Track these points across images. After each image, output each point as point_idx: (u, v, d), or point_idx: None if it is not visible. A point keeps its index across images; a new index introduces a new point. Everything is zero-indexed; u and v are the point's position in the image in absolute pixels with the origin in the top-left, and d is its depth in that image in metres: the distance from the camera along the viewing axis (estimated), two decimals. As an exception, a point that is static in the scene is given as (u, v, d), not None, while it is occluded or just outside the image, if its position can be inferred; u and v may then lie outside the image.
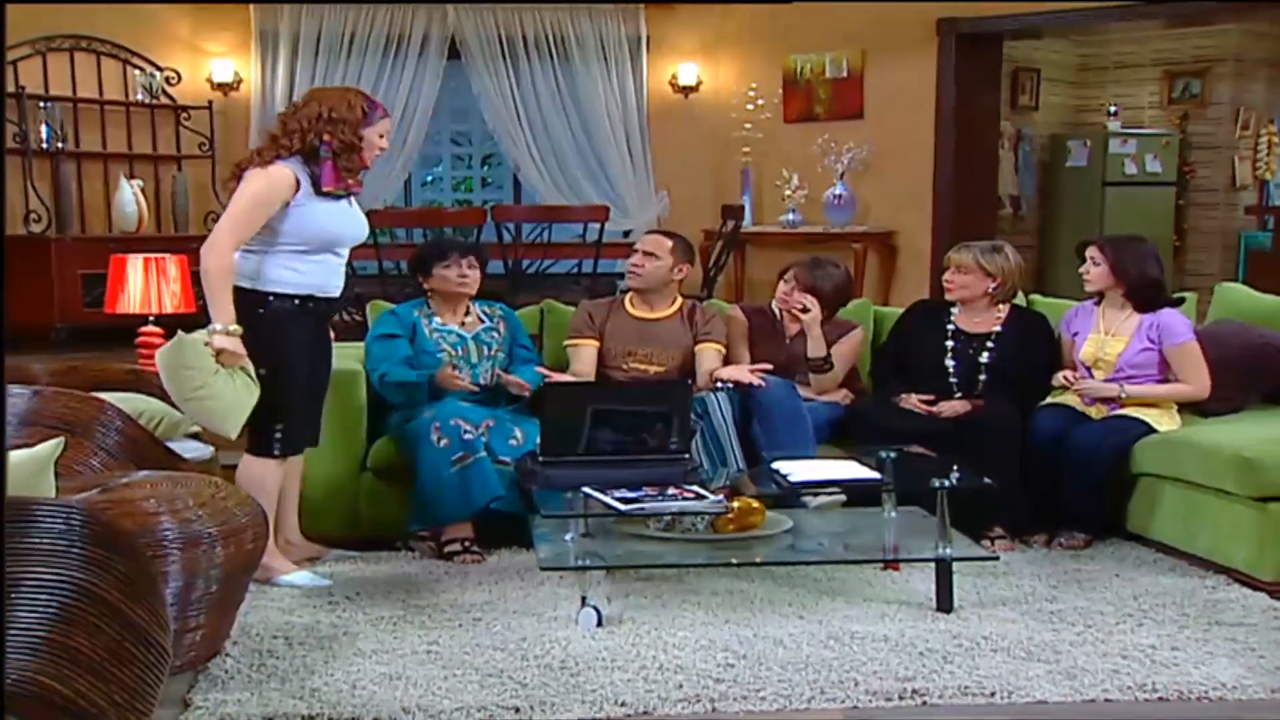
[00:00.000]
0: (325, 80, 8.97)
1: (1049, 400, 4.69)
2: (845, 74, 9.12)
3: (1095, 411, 4.60)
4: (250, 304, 3.84)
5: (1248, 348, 4.74)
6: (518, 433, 4.38)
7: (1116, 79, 10.87)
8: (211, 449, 4.39)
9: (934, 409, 4.71)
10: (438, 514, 4.29)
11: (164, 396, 4.40)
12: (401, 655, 3.39)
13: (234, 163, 3.99)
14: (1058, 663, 3.33)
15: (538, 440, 4.04)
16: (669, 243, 4.92)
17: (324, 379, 4.13)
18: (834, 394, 4.92)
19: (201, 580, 3.19)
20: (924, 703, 3.11)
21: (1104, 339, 4.64)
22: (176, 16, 8.90)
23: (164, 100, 8.69)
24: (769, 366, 4.67)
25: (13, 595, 2.17)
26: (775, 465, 4.05)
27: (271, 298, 3.85)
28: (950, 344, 4.84)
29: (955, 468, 3.96)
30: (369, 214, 7.34)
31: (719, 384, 4.63)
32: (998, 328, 4.83)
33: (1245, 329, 4.83)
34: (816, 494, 4.19)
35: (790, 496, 4.08)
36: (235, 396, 3.78)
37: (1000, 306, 4.87)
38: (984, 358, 4.78)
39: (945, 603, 3.75)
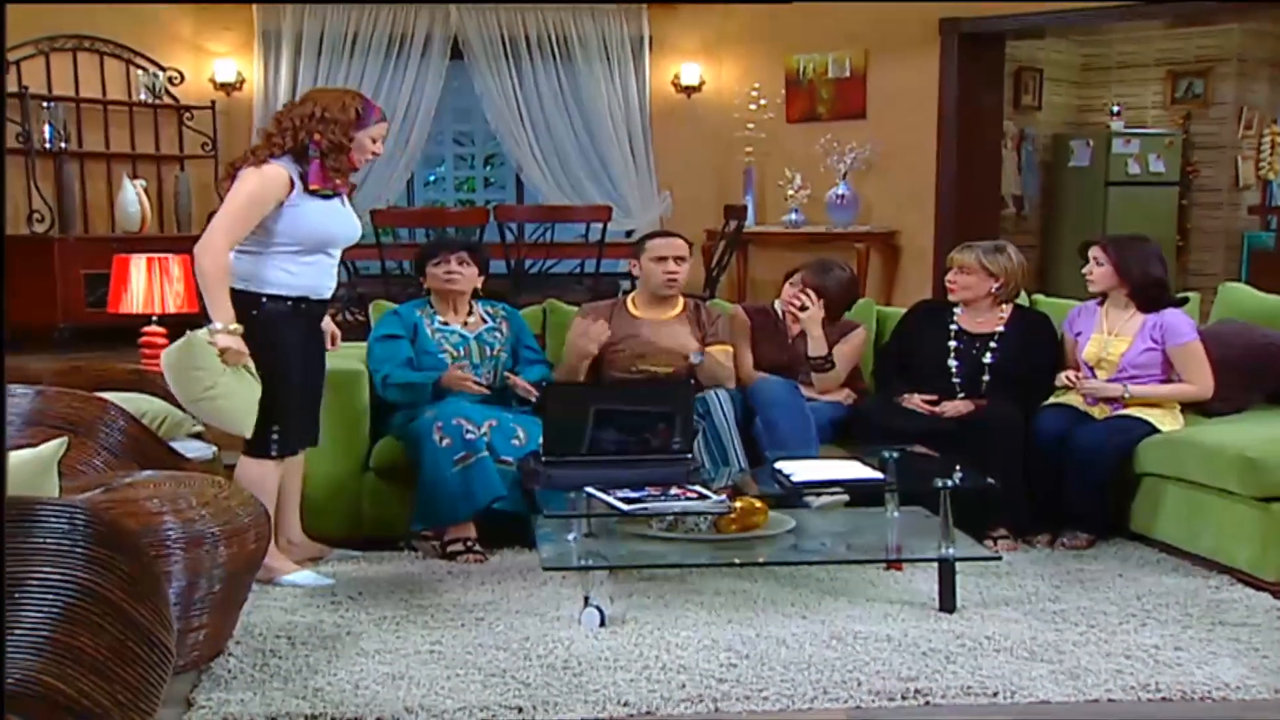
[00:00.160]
0: (328, 81, 8.98)
1: (1052, 400, 4.69)
2: (848, 74, 9.12)
3: (1098, 411, 4.60)
4: (243, 305, 3.83)
5: (1251, 348, 4.73)
6: (520, 432, 4.38)
7: (1119, 79, 10.87)
8: (214, 449, 4.39)
9: (937, 409, 4.70)
10: (440, 514, 4.29)
11: (167, 396, 4.40)
12: (404, 655, 3.39)
13: (229, 162, 4.00)
14: (1061, 663, 3.33)
15: (540, 440, 4.04)
16: (684, 243, 4.96)
17: (318, 379, 4.12)
18: (836, 394, 4.92)
19: (204, 580, 3.20)
20: (927, 703, 3.10)
21: (1107, 339, 4.64)
22: (179, 16, 8.91)
23: (167, 100, 8.70)
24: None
25: (16, 595, 2.17)
26: (778, 465, 4.05)
27: (264, 299, 3.84)
28: (953, 344, 4.84)
29: (958, 468, 3.96)
30: (372, 214, 7.40)
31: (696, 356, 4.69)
32: (1000, 328, 4.83)
33: (1248, 329, 4.83)
34: (819, 494, 4.19)
35: (793, 496, 4.08)
36: (246, 395, 3.79)
37: (1003, 306, 4.87)
38: (987, 358, 4.78)
39: (948, 603, 3.75)
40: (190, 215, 8.58)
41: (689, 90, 9.52)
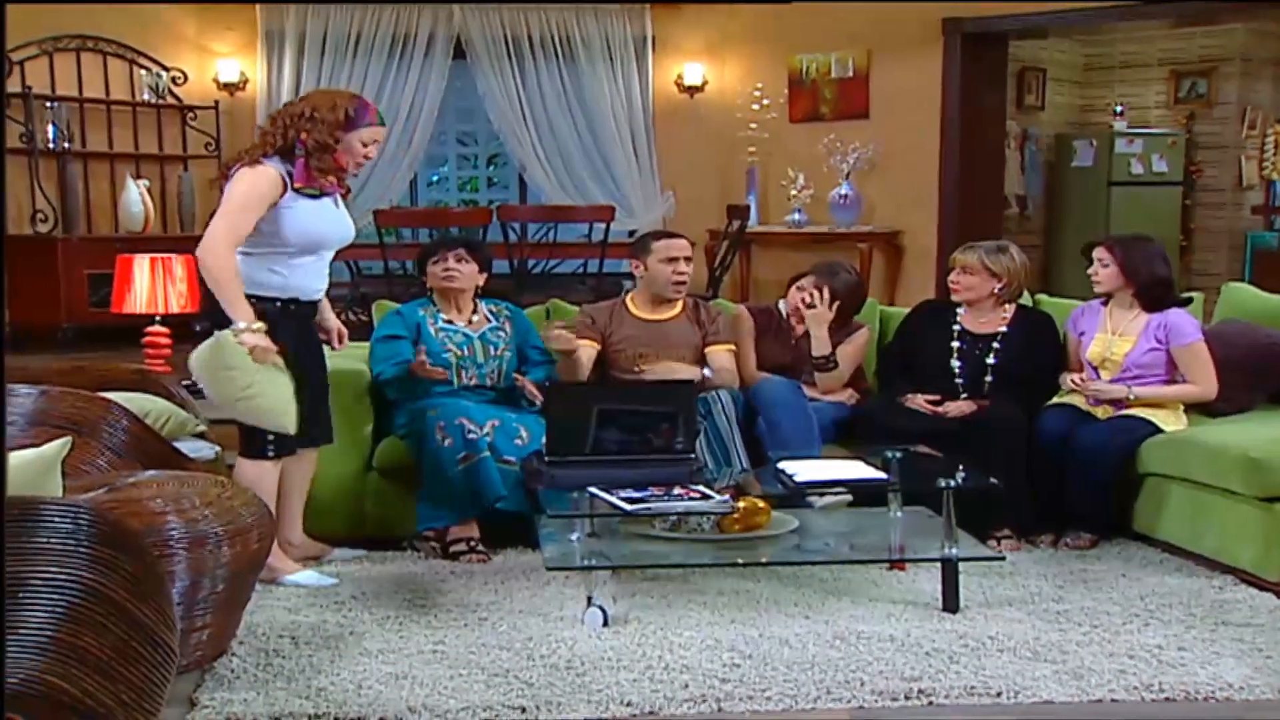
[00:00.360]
0: (331, 81, 9.00)
1: (1055, 400, 4.69)
2: (851, 74, 9.12)
3: (1101, 411, 4.59)
4: None
5: (1254, 348, 4.73)
6: (523, 432, 4.38)
7: (1122, 79, 10.86)
8: (217, 448, 4.39)
9: (939, 409, 4.70)
10: (442, 514, 4.29)
11: (170, 396, 4.41)
12: (407, 655, 3.39)
13: (224, 161, 4.01)
14: (1064, 663, 3.33)
15: (543, 440, 4.04)
16: (689, 244, 4.94)
17: (317, 378, 4.09)
18: (840, 394, 4.92)
19: (208, 580, 3.20)
20: (930, 703, 3.10)
21: (1111, 339, 4.63)
22: (183, 16, 8.92)
23: (170, 100, 8.72)
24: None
25: (20, 594, 2.17)
26: (781, 465, 4.05)
27: (254, 300, 3.82)
28: (956, 344, 4.83)
29: (961, 468, 3.96)
30: (375, 214, 7.40)
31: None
32: (1003, 328, 4.82)
33: (1252, 329, 4.82)
34: (822, 494, 4.18)
35: (796, 496, 4.08)
36: (281, 390, 3.78)
37: (1006, 307, 4.86)
38: (990, 358, 4.78)
39: (951, 603, 3.75)
40: (194, 215, 8.60)
41: (692, 90, 9.52)
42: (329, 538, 4.40)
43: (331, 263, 4.13)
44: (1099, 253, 4.67)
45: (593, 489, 3.68)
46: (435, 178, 10.74)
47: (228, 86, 8.98)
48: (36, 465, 2.88)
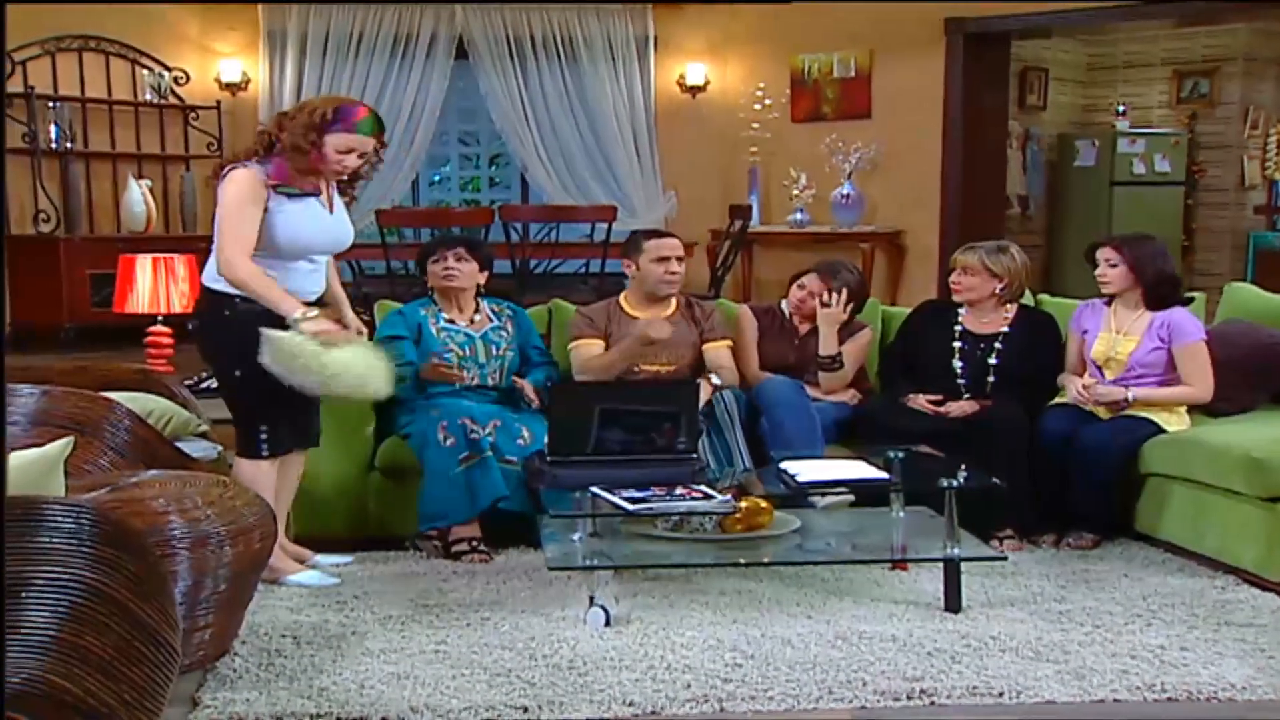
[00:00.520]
0: (333, 80, 9.02)
1: (1057, 400, 4.68)
2: (853, 74, 9.12)
3: (1103, 411, 4.58)
4: (217, 306, 3.86)
5: (1257, 347, 4.72)
6: (525, 432, 4.38)
7: (1125, 78, 10.85)
8: (219, 448, 4.39)
9: (942, 409, 4.70)
10: (444, 514, 4.29)
11: (172, 396, 4.42)
12: (409, 655, 3.39)
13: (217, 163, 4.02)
14: (1066, 663, 3.33)
15: (545, 440, 4.04)
16: (680, 242, 4.93)
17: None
18: (842, 394, 4.92)
19: (210, 579, 3.20)
20: (932, 703, 3.10)
21: (1115, 338, 4.62)
22: (185, 16, 8.93)
23: (172, 100, 8.73)
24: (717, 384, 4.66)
25: (23, 594, 2.18)
26: (783, 465, 4.05)
27: (237, 300, 3.81)
28: (958, 345, 4.83)
29: (963, 468, 3.96)
30: (377, 214, 7.39)
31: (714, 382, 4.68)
32: (1005, 328, 4.82)
33: (1254, 329, 4.82)
34: (824, 494, 4.18)
35: (798, 496, 4.08)
36: (360, 357, 3.79)
37: (1008, 306, 4.86)
38: (992, 358, 4.77)
39: (953, 603, 3.75)
40: (196, 215, 8.61)
41: (694, 90, 9.52)
42: (330, 538, 4.39)
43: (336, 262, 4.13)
44: (1106, 253, 4.65)
45: (595, 489, 3.68)
46: (437, 178, 10.74)
47: (230, 86, 8.99)
48: (39, 465, 2.88)
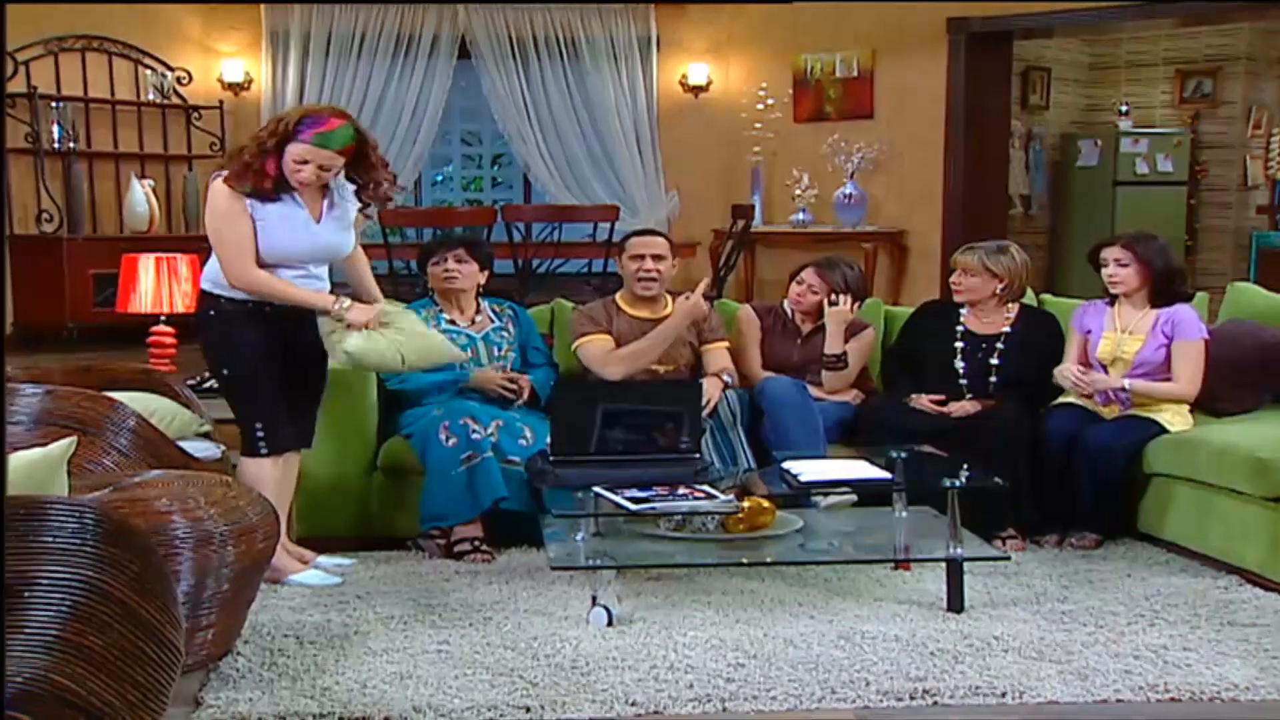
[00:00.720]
0: (335, 80, 9.04)
1: (1060, 400, 4.68)
2: (855, 73, 9.12)
3: (1107, 411, 4.58)
4: (204, 305, 3.94)
5: (1260, 347, 4.72)
6: (528, 432, 4.38)
7: (1128, 78, 10.85)
8: (222, 448, 4.39)
9: (944, 409, 4.70)
10: (445, 514, 4.29)
11: (175, 396, 4.41)
12: (412, 654, 3.39)
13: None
14: (1069, 663, 3.32)
15: (548, 439, 4.04)
16: (665, 242, 4.91)
17: (302, 379, 4.04)
18: (844, 394, 4.92)
19: (213, 579, 3.20)
20: (935, 703, 3.10)
21: (1121, 337, 4.61)
22: (188, 16, 8.94)
23: (175, 100, 8.73)
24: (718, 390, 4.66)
25: (26, 594, 2.18)
26: (786, 465, 4.05)
27: (223, 300, 3.88)
28: (960, 345, 4.83)
29: (966, 467, 3.96)
30: (379, 214, 7.37)
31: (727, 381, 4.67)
32: (1007, 328, 4.82)
33: (1258, 329, 4.81)
34: (827, 494, 4.18)
35: (801, 496, 4.08)
36: (415, 328, 4.01)
37: (1009, 306, 4.86)
38: (994, 359, 4.77)
39: (956, 603, 3.74)
40: (198, 215, 8.59)
41: (696, 90, 9.52)
42: (332, 538, 4.39)
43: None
44: (1116, 253, 4.61)
45: (597, 488, 3.68)
46: (440, 177, 10.75)
47: (232, 86, 8.99)
48: (42, 465, 2.88)
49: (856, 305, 4.92)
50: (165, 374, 4.78)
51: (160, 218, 8.43)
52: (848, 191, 8.88)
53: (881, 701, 3.10)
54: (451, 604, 3.83)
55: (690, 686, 3.16)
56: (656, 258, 4.81)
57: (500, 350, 4.72)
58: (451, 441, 4.26)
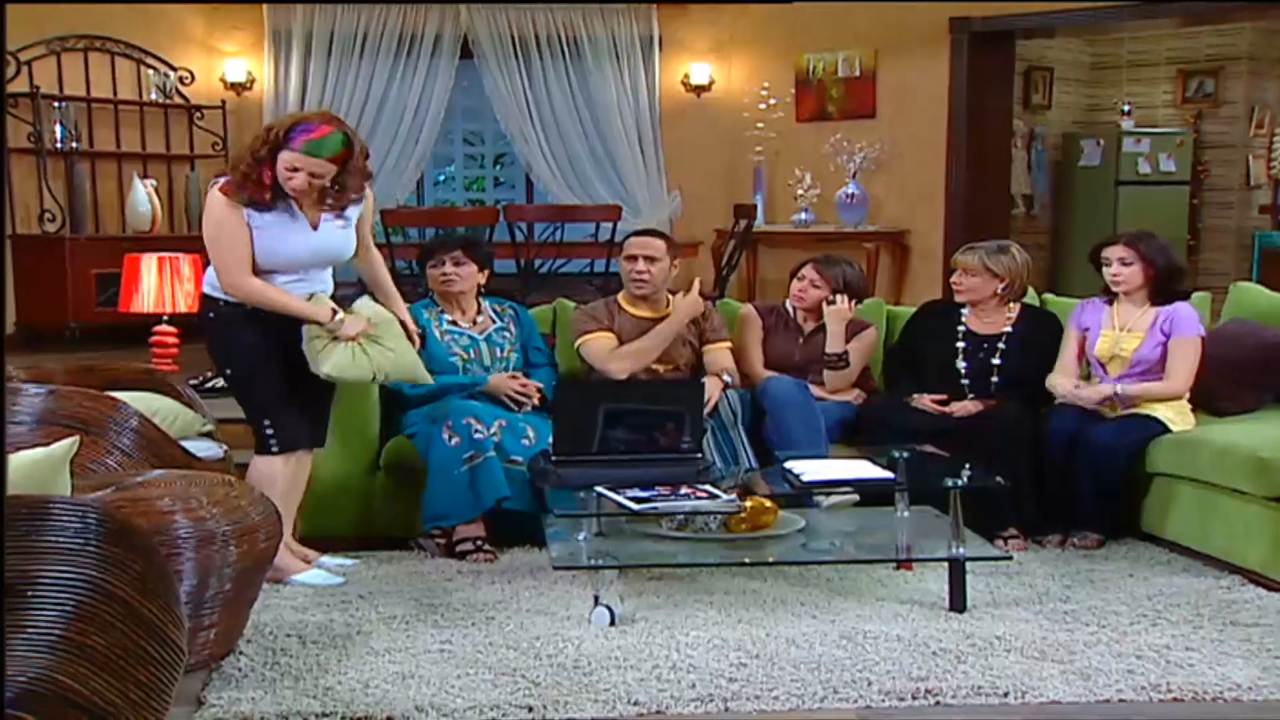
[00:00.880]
0: (338, 80, 9.04)
1: (1062, 400, 4.67)
2: (858, 73, 9.12)
3: (1109, 411, 4.58)
4: (205, 308, 3.98)
5: (1262, 347, 4.72)
6: (530, 432, 4.39)
7: (1130, 77, 10.84)
8: (224, 447, 4.40)
9: (946, 409, 4.70)
10: (447, 513, 4.29)
11: (178, 395, 4.42)
12: (414, 654, 3.39)
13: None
14: (1071, 663, 3.32)
15: (550, 439, 4.04)
16: (661, 243, 4.89)
17: (306, 379, 4.01)
18: (846, 393, 4.92)
19: (215, 578, 3.20)
20: (937, 703, 3.10)
21: (1119, 335, 4.61)
22: (190, 16, 8.94)
23: (177, 100, 8.73)
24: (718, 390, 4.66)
25: (29, 593, 2.18)
26: (788, 464, 4.05)
27: (221, 303, 3.91)
28: (961, 345, 4.83)
29: (968, 467, 3.95)
30: (381, 213, 7.39)
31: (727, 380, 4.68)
32: (1008, 328, 4.82)
33: (1260, 329, 4.81)
34: (829, 493, 4.19)
35: (803, 496, 4.08)
36: (397, 347, 4.03)
37: (1011, 306, 4.86)
38: (995, 359, 4.77)
39: (958, 602, 3.74)
40: (200, 215, 8.57)
41: (699, 90, 9.52)
42: (335, 538, 4.39)
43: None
44: (1119, 252, 4.61)
45: (600, 488, 3.68)
46: (441, 177, 10.74)
47: (235, 86, 8.99)
48: (45, 464, 2.88)
49: (854, 303, 4.93)
50: (168, 374, 4.78)
51: (163, 217, 8.43)
52: (850, 191, 8.87)
53: (884, 701, 3.10)
54: (454, 604, 3.83)
55: (693, 686, 3.16)
56: (649, 259, 4.81)
57: (502, 351, 4.72)
58: (454, 441, 4.26)
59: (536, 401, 4.60)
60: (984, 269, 4.79)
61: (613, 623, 3.59)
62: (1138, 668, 3.29)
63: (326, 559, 4.21)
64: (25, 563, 2.22)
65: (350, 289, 5.90)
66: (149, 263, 5.59)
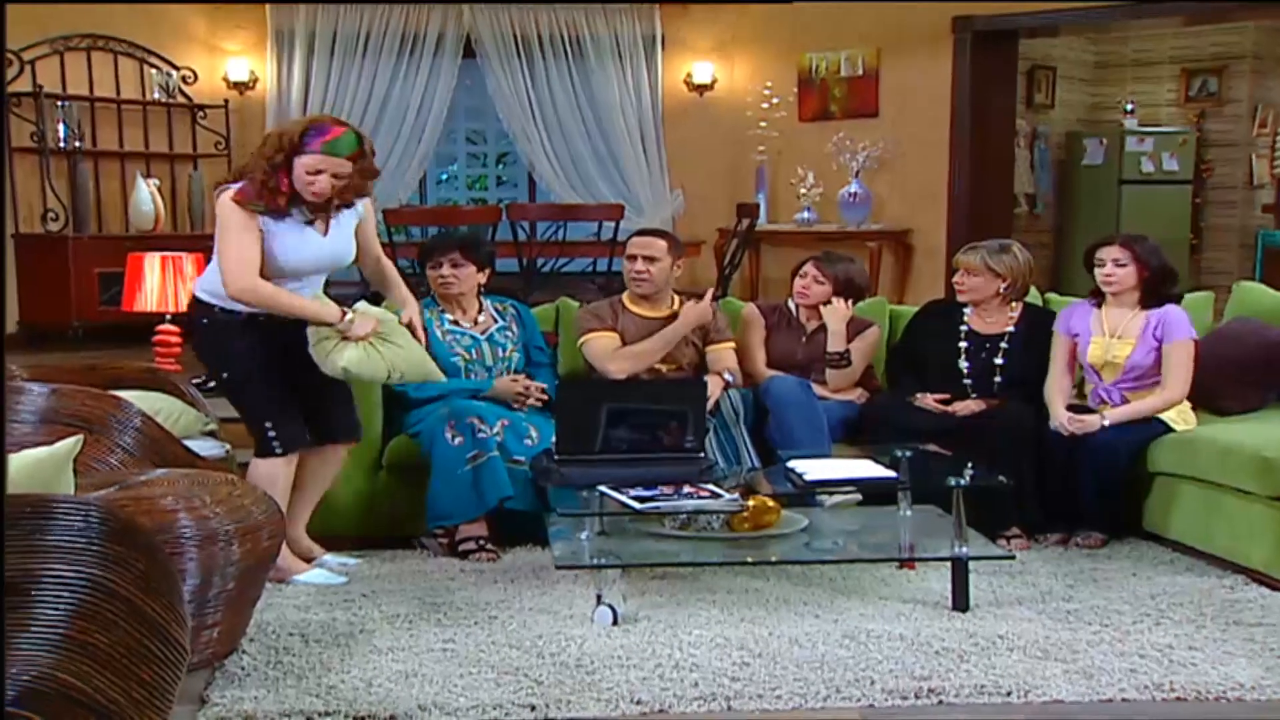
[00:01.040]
0: (341, 79, 9.04)
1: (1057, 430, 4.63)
2: (860, 72, 9.12)
3: (1111, 410, 4.57)
4: (199, 313, 3.96)
5: (1265, 346, 4.71)
6: (533, 432, 4.39)
7: (1133, 76, 10.84)
8: (228, 446, 4.40)
9: (949, 408, 4.70)
10: (450, 512, 4.29)
11: (181, 394, 4.43)
12: (417, 653, 3.40)
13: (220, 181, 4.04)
14: (1074, 662, 3.32)
15: (553, 438, 4.04)
16: (663, 243, 4.88)
17: (308, 378, 4.00)
18: (849, 393, 4.92)
19: (218, 577, 3.21)
20: (940, 702, 3.10)
21: (1110, 341, 4.58)
22: (193, 16, 8.94)
23: (180, 99, 8.73)
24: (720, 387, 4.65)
25: (32, 592, 2.18)
26: (791, 464, 4.05)
27: (217, 309, 3.90)
28: (964, 345, 4.83)
29: (970, 466, 3.95)
30: (384, 213, 7.40)
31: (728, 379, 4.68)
32: (1011, 328, 4.82)
33: (1263, 328, 4.81)
34: (832, 493, 4.19)
35: (806, 495, 4.08)
36: (406, 344, 4.00)
37: (1013, 305, 4.86)
38: (998, 359, 4.77)
39: (961, 602, 3.74)
40: (203, 214, 8.61)
41: (701, 89, 9.52)
42: (338, 537, 4.39)
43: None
44: (1115, 253, 4.59)
45: (602, 487, 3.68)
46: (444, 176, 10.74)
47: (238, 85, 9.00)
48: (48, 463, 2.88)
49: (851, 303, 4.93)
50: (170, 373, 4.79)
51: (165, 217, 8.43)
52: (852, 190, 8.87)
53: (886, 700, 3.10)
54: (457, 603, 3.83)
55: (695, 685, 3.16)
56: (649, 259, 4.81)
57: (505, 351, 4.72)
58: (457, 440, 4.26)
59: (540, 401, 4.60)
60: (986, 268, 4.79)
61: (615, 622, 3.59)
62: (1141, 667, 3.29)
63: (330, 557, 4.21)
64: (28, 561, 2.22)
65: (352, 289, 5.93)
66: (152, 262, 5.60)
